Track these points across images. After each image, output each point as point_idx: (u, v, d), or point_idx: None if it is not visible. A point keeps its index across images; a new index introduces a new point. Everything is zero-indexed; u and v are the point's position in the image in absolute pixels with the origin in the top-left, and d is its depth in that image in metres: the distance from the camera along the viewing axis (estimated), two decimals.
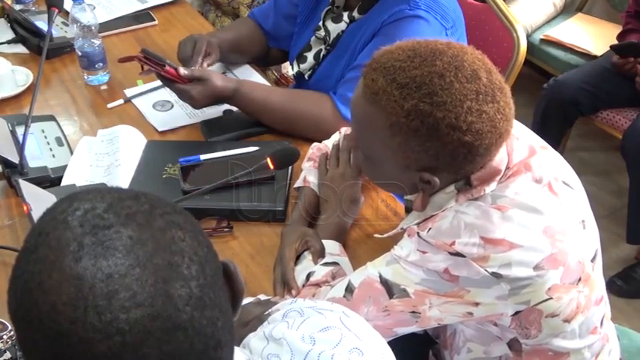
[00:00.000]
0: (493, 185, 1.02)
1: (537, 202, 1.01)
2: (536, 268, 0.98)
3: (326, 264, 1.20)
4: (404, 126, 0.96)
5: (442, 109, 0.94)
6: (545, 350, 1.09)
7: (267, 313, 0.88)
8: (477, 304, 1.01)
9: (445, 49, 0.98)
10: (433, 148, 0.97)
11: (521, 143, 1.07)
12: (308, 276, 1.19)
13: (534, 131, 1.15)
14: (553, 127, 2.65)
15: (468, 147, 0.96)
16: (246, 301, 1.09)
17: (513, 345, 1.10)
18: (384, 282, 1.05)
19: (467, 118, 0.94)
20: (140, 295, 0.56)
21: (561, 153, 1.15)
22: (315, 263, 1.22)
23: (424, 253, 1.01)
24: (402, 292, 1.04)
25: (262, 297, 1.16)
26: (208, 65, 1.72)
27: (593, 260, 1.08)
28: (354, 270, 1.18)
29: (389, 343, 0.86)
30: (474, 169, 1.01)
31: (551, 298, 1.00)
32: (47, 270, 0.57)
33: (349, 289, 1.09)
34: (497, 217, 0.99)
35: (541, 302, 1.00)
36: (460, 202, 1.02)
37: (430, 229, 1.01)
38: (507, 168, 1.03)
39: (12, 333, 1.06)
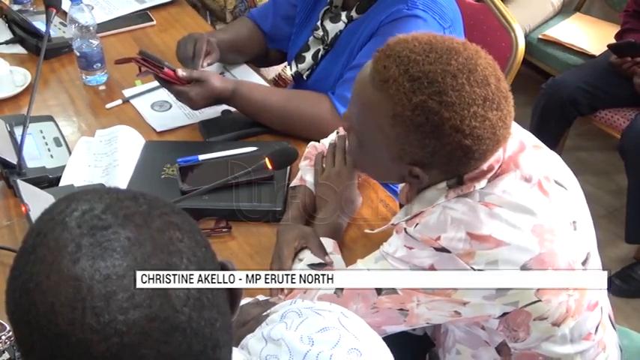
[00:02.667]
0: (483, 182, 1.02)
1: (526, 200, 1.01)
2: (523, 267, 0.97)
3: (312, 265, 1.20)
4: (407, 119, 0.96)
5: (450, 109, 0.94)
6: (534, 355, 1.08)
7: (265, 313, 0.88)
8: (464, 303, 1.01)
9: (461, 50, 0.98)
10: (431, 146, 0.97)
11: (512, 139, 1.07)
12: None
13: (532, 131, 1.15)
14: (551, 126, 2.65)
15: (466, 150, 0.96)
16: (244, 301, 1.09)
17: (502, 350, 1.09)
18: None
19: (471, 122, 0.94)
20: (138, 296, 0.56)
21: (560, 153, 1.15)
22: None
23: (410, 249, 1.01)
24: (389, 289, 1.03)
25: (261, 297, 1.16)
26: (208, 65, 1.72)
27: (584, 263, 1.06)
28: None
29: (387, 344, 0.86)
30: (467, 171, 1.01)
31: (539, 300, 1.00)
32: (45, 271, 0.56)
33: None
34: (484, 214, 0.99)
35: (530, 304, 1.00)
36: (449, 197, 1.02)
37: (417, 224, 1.01)
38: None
39: (10, 333, 1.06)
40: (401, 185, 1.28)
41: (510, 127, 1.00)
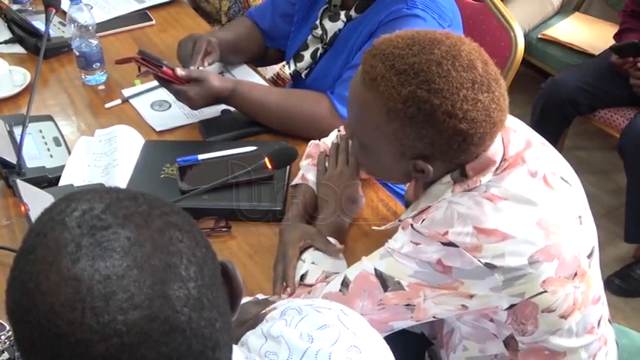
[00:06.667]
0: (489, 176, 1.03)
1: (532, 194, 1.02)
2: (530, 259, 0.98)
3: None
4: (400, 112, 0.97)
5: (439, 96, 0.95)
6: (541, 349, 1.09)
7: (264, 312, 0.88)
8: (471, 296, 1.01)
9: (443, 39, 1.00)
10: (428, 136, 0.98)
11: (519, 136, 1.08)
12: (302, 276, 1.19)
13: None
14: (551, 126, 2.65)
15: (463, 135, 0.97)
16: (243, 300, 1.09)
17: (510, 343, 1.10)
18: (379, 275, 1.05)
19: (462, 106, 0.95)
20: (138, 296, 0.56)
21: (559, 152, 1.16)
22: None
23: (417, 244, 1.01)
24: (396, 284, 1.04)
25: (260, 296, 1.16)
26: (209, 64, 1.72)
27: (589, 257, 1.08)
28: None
29: (386, 341, 0.86)
30: (468, 159, 1.02)
31: (545, 292, 1.01)
32: (45, 271, 0.56)
33: (345, 284, 1.10)
34: (489, 208, 1.00)
35: (536, 295, 1.01)
36: (456, 192, 1.03)
37: (424, 220, 1.02)
38: (503, 160, 1.04)
39: (10, 333, 1.06)
40: (408, 184, 1.28)
41: (506, 111, 1.01)
